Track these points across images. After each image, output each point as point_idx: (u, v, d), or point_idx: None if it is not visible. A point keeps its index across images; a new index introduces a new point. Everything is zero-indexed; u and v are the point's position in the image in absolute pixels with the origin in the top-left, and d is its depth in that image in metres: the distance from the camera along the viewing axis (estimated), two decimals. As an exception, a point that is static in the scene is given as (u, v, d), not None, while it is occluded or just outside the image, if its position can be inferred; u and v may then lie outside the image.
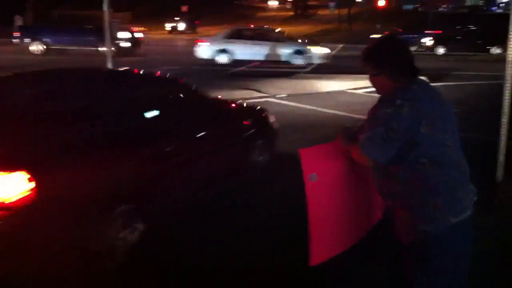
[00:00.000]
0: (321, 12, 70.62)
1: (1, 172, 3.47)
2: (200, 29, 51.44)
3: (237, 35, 21.68)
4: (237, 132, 6.24)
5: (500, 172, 5.72)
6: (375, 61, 2.66)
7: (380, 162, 2.44)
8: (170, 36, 46.88)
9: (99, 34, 21.43)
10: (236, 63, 20.54)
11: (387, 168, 2.49)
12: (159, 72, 7.28)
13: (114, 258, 4.07)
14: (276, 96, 13.45)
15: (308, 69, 20.05)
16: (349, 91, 14.39)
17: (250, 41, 21.16)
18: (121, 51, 21.52)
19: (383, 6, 43.59)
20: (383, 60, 2.63)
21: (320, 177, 2.59)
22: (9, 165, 3.51)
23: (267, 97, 13.39)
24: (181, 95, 5.76)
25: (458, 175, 2.54)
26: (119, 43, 22.83)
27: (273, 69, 19.29)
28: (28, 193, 3.47)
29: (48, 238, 3.57)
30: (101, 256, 3.95)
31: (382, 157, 2.43)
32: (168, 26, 50.95)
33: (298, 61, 20.61)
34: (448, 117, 2.57)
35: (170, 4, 58.92)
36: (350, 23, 49.07)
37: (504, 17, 6.39)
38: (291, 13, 73.14)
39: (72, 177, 3.78)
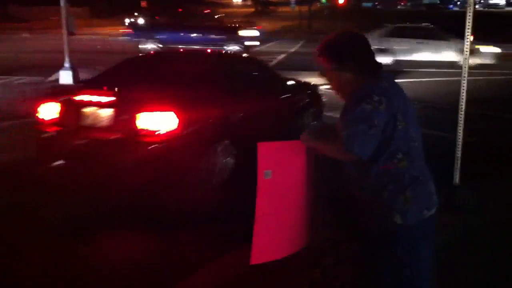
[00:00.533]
0: (282, 9, 70.83)
1: (161, 112, 5.48)
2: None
3: (398, 33, 19.63)
4: (298, 99, 8.29)
5: (457, 176, 5.77)
6: (337, 55, 2.60)
7: (363, 158, 2.42)
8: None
9: (225, 33, 22.12)
10: (399, 64, 18.44)
11: (363, 163, 2.49)
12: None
13: (222, 174, 6.10)
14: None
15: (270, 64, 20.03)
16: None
17: (414, 40, 19.18)
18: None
19: (343, 3, 43.92)
20: (348, 55, 2.59)
21: (275, 174, 2.55)
22: (164, 108, 5.49)
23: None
24: (264, 72, 8.03)
25: (427, 170, 2.65)
26: None
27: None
28: (175, 126, 5.46)
29: (184, 155, 5.48)
30: (213, 172, 5.94)
31: (365, 152, 2.42)
32: (127, 21, 50.13)
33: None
34: (413, 113, 2.63)
35: (129, -1, 58.06)
36: (310, 21, 49.28)
37: (460, 15, 6.48)
38: (252, 9, 73.11)
39: (201, 119, 5.84)
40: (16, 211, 5.39)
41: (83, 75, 14.58)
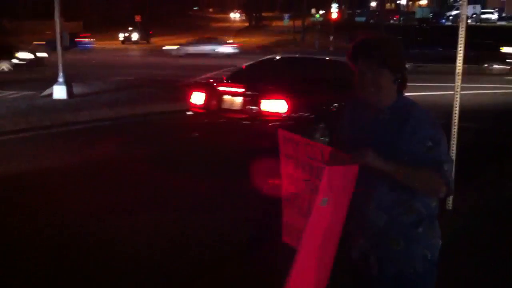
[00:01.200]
0: (275, 23, 71.35)
1: (276, 100, 7.80)
2: (153, 40, 51.06)
3: None
4: None
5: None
6: (395, 62, 2.29)
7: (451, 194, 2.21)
8: (123, 46, 46.27)
9: None
10: None
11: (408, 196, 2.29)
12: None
13: None
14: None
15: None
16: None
17: None
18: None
19: (336, 18, 44.23)
20: (403, 63, 2.34)
21: (330, 202, 2.21)
22: (279, 97, 7.81)
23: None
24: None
25: None
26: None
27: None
28: (286, 109, 7.71)
29: (291, 130, 6.53)
30: None
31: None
32: (121, 36, 50.33)
33: None
34: None
35: (122, 14, 58.29)
36: (304, 35, 49.62)
37: (451, 29, 6.53)
38: (246, 24, 73.54)
39: (304, 106, 8.10)
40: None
41: (78, 90, 14.61)
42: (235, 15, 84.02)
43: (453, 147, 5.70)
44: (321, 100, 8.37)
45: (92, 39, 38.56)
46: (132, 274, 4.39)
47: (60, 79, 13.92)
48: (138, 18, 55.20)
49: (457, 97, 5.80)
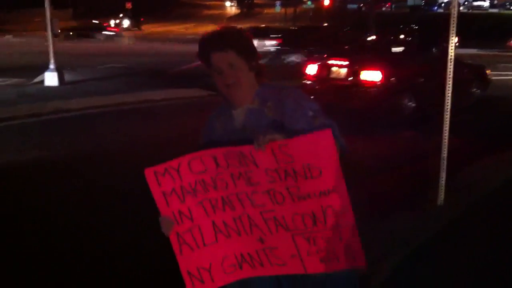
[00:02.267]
0: (267, 11, 71.05)
1: (373, 71, 9.78)
2: (144, 27, 50.77)
3: None
4: (467, 73, 11.28)
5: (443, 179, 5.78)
6: (248, 50, 2.24)
7: (344, 151, 2.18)
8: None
9: None
10: None
11: None
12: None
13: (405, 111, 9.90)
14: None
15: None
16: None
17: None
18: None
19: (328, 5, 44.15)
20: (254, 50, 2.28)
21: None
22: (375, 68, 9.77)
23: (215, 95, 13.30)
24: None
25: None
26: None
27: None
28: (380, 79, 9.66)
29: (385, 94, 9.64)
30: (400, 108, 9.82)
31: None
32: (112, 23, 50.00)
33: None
34: None
35: (112, 1, 57.81)
36: (295, 22, 49.47)
37: (442, 16, 6.53)
38: (237, 11, 73.16)
39: (395, 77, 9.92)
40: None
41: (69, 77, 14.55)
42: (229, 3, 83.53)
43: (445, 135, 5.71)
44: (409, 72, 10.21)
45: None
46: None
47: (51, 66, 13.87)
48: (128, 5, 54.85)
49: (448, 85, 5.82)
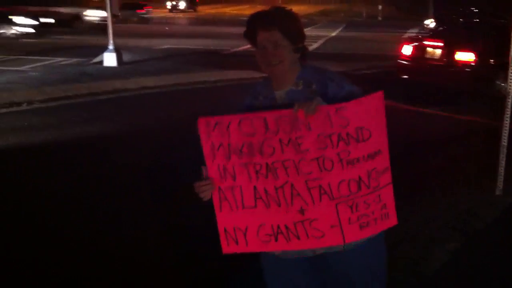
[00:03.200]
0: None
1: (466, 52, 10.54)
2: (200, 8, 51.09)
3: None
4: None
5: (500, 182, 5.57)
6: (295, 31, 2.25)
7: None
8: (171, 14, 46.45)
9: None
10: None
11: None
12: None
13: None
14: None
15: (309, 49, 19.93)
16: (350, 72, 14.33)
17: None
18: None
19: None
20: (302, 32, 2.30)
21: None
22: (469, 50, 10.55)
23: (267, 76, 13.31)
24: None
25: None
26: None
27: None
28: (473, 59, 10.46)
29: (478, 72, 10.30)
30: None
31: None
32: (168, 4, 50.52)
33: None
34: None
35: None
36: (351, 4, 48.67)
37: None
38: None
39: (488, 57, 10.40)
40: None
41: (126, 57, 14.85)
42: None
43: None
44: (502, 53, 11.02)
45: (149, 8, 38.70)
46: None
47: (110, 47, 14.16)
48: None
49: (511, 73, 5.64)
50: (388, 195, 2.15)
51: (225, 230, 2.19)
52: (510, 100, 5.30)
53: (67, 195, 5.45)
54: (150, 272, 4.06)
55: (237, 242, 2.20)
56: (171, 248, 4.43)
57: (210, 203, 2.19)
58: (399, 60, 11.74)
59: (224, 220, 2.19)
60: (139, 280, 3.94)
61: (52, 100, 10.02)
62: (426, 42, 11.56)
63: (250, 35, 2.25)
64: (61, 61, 15.27)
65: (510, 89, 5.31)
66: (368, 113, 2.04)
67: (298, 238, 2.15)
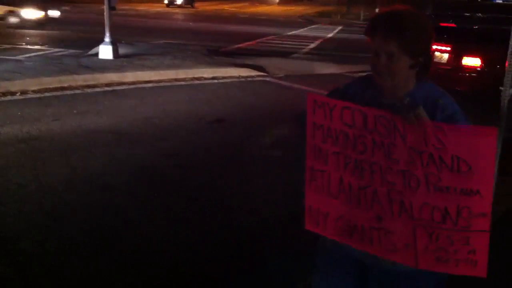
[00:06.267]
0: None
1: (474, 57, 10.14)
2: (197, 4, 50.96)
3: None
4: None
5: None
6: (415, 45, 2.01)
7: None
8: (167, 9, 46.32)
9: None
10: None
11: None
12: None
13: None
14: (274, 75, 13.38)
15: (305, 50, 19.97)
16: (346, 74, 14.35)
17: None
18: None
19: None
20: (425, 46, 2.06)
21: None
22: (476, 55, 10.23)
23: (265, 76, 13.33)
24: None
25: None
26: None
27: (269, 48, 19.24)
28: (479, 64, 10.18)
29: (482, 78, 10.19)
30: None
31: None
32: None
33: None
34: None
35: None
36: (349, 6, 48.72)
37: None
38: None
39: (494, 62, 9.63)
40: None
41: (123, 50, 14.79)
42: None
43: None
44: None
45: None
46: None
47: (107, 39, 14.08)
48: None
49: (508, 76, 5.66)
50: (480, 243, 1.95)
51: (310, 208, 2.22)
52: (505, 105, 5.33)
53: (57, 189, 5.41)
54: (150, 272, 4.04)
55: (318, 223, 2.22)
56: (170, 248, 4.41)
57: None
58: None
59: (311, 199, 2.21)
60: (139, 280, 3.93)
61: (46, 91, 9.96)
62: (433, 47, 11.70)
63: (369, 34, 2.05)
64: (57, 52, 15.19)
65: (504, 97, 5.34)
66: (472, 144, 1.86)
67: (371, 243, 2.10)
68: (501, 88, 6.03)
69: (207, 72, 12.95)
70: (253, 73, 13.59)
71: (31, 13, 22.62)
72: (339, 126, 2.06)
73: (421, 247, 2.00)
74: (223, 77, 12.72)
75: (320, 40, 24.16)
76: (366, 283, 2.30)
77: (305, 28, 30.35)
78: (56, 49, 15.49)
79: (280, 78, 13.07)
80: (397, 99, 2.03)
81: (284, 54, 18.00)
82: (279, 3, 56.23)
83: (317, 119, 2.11)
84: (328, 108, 2.07)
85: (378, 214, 2.05)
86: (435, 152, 1.89)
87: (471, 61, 10.73)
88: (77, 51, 15.13)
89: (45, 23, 22.80)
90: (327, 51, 19.63)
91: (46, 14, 23.65)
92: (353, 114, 2.02)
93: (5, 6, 22.29)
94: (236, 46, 19.53)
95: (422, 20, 2.03)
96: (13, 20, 22.06)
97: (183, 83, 11.87)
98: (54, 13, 25.23)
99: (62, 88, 10.25)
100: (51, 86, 10.26)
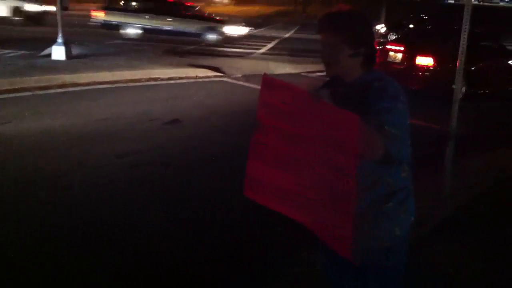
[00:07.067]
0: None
1: (425, 57, 11.21)
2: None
3: None
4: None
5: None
6: (354, 37, 2.26)
7: (394, 157, 2.16)
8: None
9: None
10: None
11: (379, 169, 2.28)
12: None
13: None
14: (231, 76, 13.37)
15: (262, 50, 20.03)
16: (304, 73, 14.47)
17: None
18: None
19: (339, -10, 43.89)
20: (364, 38, 2.30)
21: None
22: (428, 56, 11.21)
23: (222, 76, 13.30)
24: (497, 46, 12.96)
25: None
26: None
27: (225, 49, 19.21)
28: (432, 63, 11.22)
29: (437, 75, 11.04)
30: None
31: (395, 152, 2.15)
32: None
33: None
34: None
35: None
36: (305, 6, 49.15)
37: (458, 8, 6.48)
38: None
39: (446, 62, 10.56)
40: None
41: (76, 51, 14.50)
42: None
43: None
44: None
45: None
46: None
47: (59, 40, 13.78)
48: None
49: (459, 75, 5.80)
50: (345, 224, 2.07)
51: (250, 176, 2.37)
52: (456, 103, 5.47)
53: (12, 190, 5.27)
54: (149, 272, 4.02)
55: (256, 192, 2.37)
56: (170, 248, 4.39)
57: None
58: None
59: (250, 167, 2.36)
60: (139, 280, 3.91)
61: (-4, 93, 9.68)
62: (388, 47, 12.27)
63: (318, 32, 2.34)
64: (7, 53, 14.77)
65: (456, 94, 5.48)
66: (341, 127, 2.01)
67: (302, 211, 2.22)
68: (453, 86, 6.16)
69: (163, 73, 12.83)
70: (210, 73, 13.54)
71: None
72: (278, 103, 2.20)
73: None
74: (180, 78, 12.63)
75: (277, 40, 24.28)
76: (365, 280, 2.45)
77: (262, 28, 30.43)
78: (7, 50, 15.06)
79: (237, 78, 13.08)
80: (345, 87, 2.32)
81: (241, 54, 18.02)
82: (235, 3, 56.17)
83: (266, 99, 2.25)
84: (275, 89, 2.21)
85: (303, 182, 2.20)
86: (324, 130, 2.07)
87: (424, 61, 11.14)
88: (29, 52, 14.74)
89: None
90: (284, 51, 19.74)
91: None
92: (292, 94, 2.16)
93: None
94: (193, 46, 19.42)
95: (359, 16, 2.32)
96: None
97: (139, 84, 11.73)
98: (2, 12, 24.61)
99: (14, 90, 9.97)
100: (2, 88, 9.95)
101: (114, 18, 20.77)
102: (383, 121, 2.08)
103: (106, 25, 20.83)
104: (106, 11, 21.04)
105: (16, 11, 23.26)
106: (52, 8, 24.09)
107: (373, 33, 2.36)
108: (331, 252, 2.20)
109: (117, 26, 20.64)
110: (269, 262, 4.19)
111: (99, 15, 21.01)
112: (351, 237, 2.04)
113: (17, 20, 23.06)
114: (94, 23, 21.03)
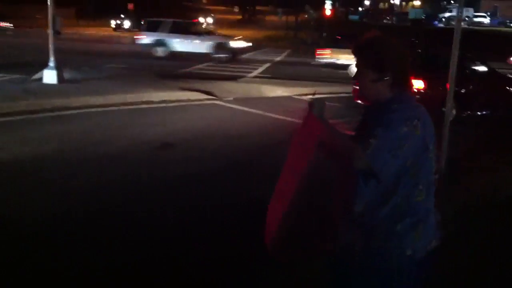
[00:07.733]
0: (269, 18, 71.19)
1: (417, 80, 11.23)
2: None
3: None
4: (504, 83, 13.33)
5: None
6: (376, 62, 2.34)
7: (380, 177, 2.23)
8: (115, 33, 45.94)
9: None
10: None
11: (386, 190, 2.30)
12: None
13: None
14: (223, 99, 13.39)
15: (254, 74, 20.14)
16: (295, 97, 14.51)
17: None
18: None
19: (330, 15, 44.19)
20: (388, 63, 2.34)
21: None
22: (419, 78, 11.27)
23: (214, 99, 13.33)
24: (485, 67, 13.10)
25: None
26: None
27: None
28: (423, 86, 11.32)
29: (428, 96, 10.75)
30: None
31: (385, 172, 2.23)
32: (113, 23, 50.01)
33: None
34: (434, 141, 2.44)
35: (116, 2, 57.84)
36: (297, 31, 49.59)
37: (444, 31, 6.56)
38: (239, 17, 73.27)
39: (436, 84, 10.97)
40: None
41: (68, 75, 14.51)
42: (234, 9, 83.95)
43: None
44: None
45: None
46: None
47: (51, 64, 13.81)
48: (131, 6, 54.84)
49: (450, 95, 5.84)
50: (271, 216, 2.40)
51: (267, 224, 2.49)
52: (447, 124, 5.51)
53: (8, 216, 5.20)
54: (149, 272, 4.01)
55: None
56: (169, 248, 4.44)
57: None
58: (355, 86, 12.12)
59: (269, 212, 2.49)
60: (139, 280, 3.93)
61: (-13, 117, 9.63)
62: None
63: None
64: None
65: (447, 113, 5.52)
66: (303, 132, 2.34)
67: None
68: (443, 109, 6.22)
69: (156, 96, 12.83)
70: (203, 96, 13.57)
71: None
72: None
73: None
74: (172, 101, 12.63)
75: (269, 64, 24.43)
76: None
77: (254, 52, 30.63)
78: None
79: (229, 102, 13.09)
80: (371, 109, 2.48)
81: (234, 77, 18.09)
82: (227, 27, 56.59)
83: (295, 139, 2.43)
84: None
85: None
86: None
87: (415, 84, 11.20)
88: (21, 76, 14.73)
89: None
90: (275, 74, 19.84)
91: None
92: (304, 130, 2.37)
93: None
94: (186, 70, 19.49)
95: (382, 41, 2.39)
96: None
97: (131, 107, 11.71)
98: None
99: (4, 114, 9.92)
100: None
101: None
102: (369, 141, 2.21)
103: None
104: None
105: None
106: None
107: (401, 58, 2.38)
108: (336, 257, 2.39)
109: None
110: (269, 262, 4.13)
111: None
112: (275, 231, 2.34)
113: None
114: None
